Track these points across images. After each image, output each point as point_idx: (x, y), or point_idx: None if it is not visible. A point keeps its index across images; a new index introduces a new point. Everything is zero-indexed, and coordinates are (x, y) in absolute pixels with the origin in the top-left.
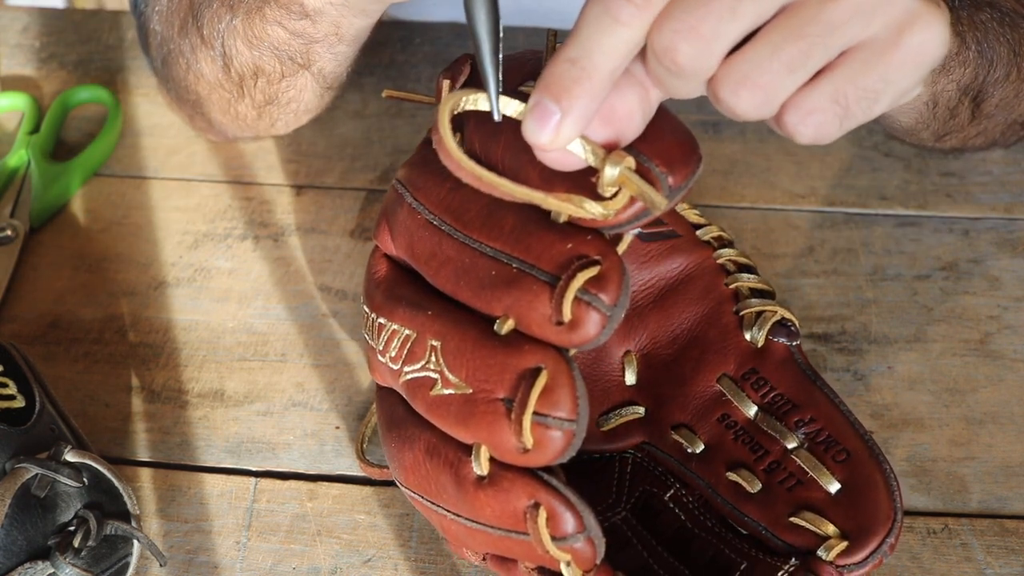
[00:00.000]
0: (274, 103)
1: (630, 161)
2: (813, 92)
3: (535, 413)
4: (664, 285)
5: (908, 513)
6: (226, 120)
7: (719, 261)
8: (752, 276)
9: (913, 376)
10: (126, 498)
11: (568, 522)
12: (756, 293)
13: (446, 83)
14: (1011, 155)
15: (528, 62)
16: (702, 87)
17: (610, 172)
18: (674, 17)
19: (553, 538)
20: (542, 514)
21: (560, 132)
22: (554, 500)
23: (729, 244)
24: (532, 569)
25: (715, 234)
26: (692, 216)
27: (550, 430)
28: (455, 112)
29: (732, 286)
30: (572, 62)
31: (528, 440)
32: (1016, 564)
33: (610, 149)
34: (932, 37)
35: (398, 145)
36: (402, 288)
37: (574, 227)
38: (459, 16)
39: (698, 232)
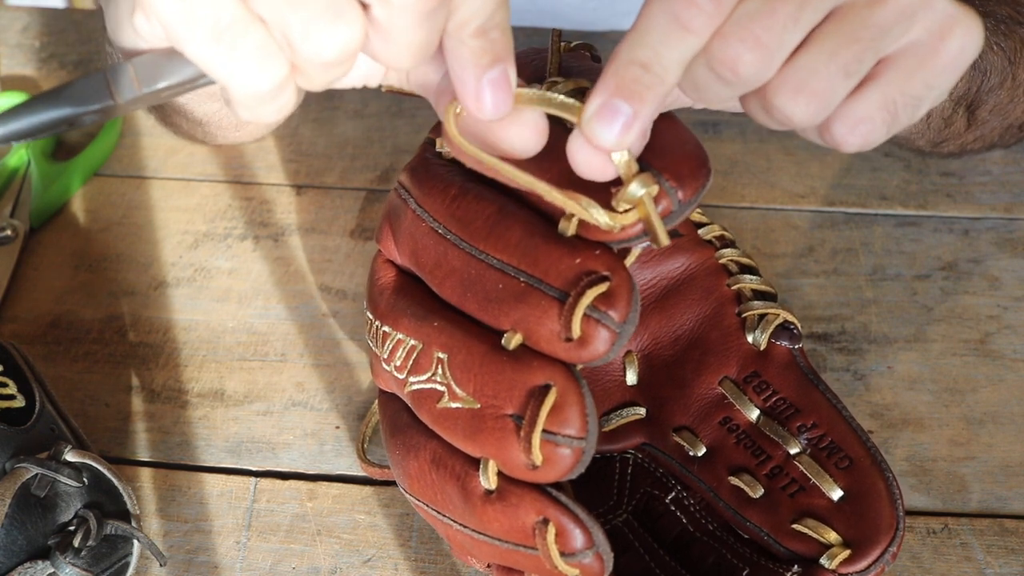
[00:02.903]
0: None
1: (654, 189)
2: (862, 101)
3: (544, 431)
4: (666, 285)
5: (908, 513)
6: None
7: (721, 261)
8: (754, 277)
9: (913, 376)
10: (126, 498)
11: (577, 538)
12: (758, 295)
13: None
14: (1011, 155)
15: (531, 61)
16: (738, 96)
17: (634, 190)
18: (739, 25)
19: (562, 554)
20: (551, 530)
21: (628, 134)
22: (563, 516)
23: (731, 244)
24: None
25: (717, 233)
26: (694, 215)
27: (559, 448)
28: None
29: (734, 287)
30: (644, 67)
31: (537, 458)
32: (1016, 564)
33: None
34: (971, 41)
35: (398, 145)
36: (407, 296)
37: (582, 240)
38: None
39: (700, 231)
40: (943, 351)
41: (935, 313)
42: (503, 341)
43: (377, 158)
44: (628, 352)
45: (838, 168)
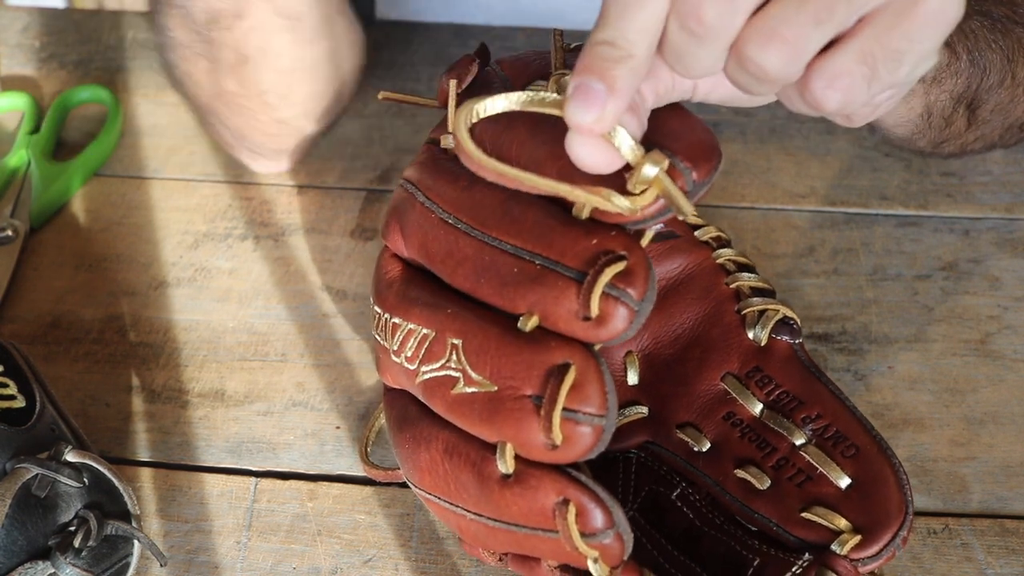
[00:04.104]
0: (247, 62)
1: (665, 163)
2: (839, 54)
3: (564, 409)
4: (665, 285)
5: None
6: (226, 110)
7: (718, 261)
8: (752, 275)
9: (913, 376)
10: (126, 498)
11: (598, 518)
12: (757, 292)
13: (452, 83)
14: (1011, 155)
15: (533, 62)
16: (721, 60)
17: (648, 171)
18: None
19: (582, 534)
20: (571, 510)
21: (606, 110)
22: (583, 496)
23: (727, 244)
24: (555, 567)
25: (713, 234)
26: (690, 217)
27: (580, 426)
28: (470, 123)
29: (733, 285)
30: (610, 44)
31: (558, 437)
32: (1016, 564)
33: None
34: (951, 1)
35: (398, 145)
36: (417, 287)
37: (596, 223)
38: (458, 17)
39: (696, 232)
40: (943, 351)
41: (935, 313)
42: (519, 324)
43: (377, 158)
44: (628, 352)
45: (838, 168)
